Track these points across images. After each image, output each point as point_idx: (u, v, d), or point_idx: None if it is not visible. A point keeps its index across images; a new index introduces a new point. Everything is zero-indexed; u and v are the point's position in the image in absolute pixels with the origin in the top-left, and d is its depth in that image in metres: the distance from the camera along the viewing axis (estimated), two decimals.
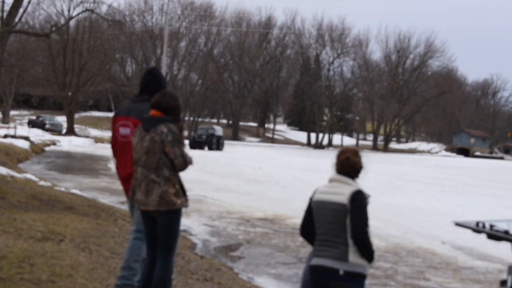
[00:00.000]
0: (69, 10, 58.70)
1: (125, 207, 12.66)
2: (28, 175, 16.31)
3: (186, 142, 49.00)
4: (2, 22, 21.41)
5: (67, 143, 41.76)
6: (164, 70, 51.61)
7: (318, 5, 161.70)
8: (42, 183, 14.79)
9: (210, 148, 47.91)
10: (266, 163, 33.83)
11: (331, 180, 4.12)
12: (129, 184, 5.14)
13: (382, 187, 21.69)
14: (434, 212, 16.29)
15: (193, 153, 32.72)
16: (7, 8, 22.49)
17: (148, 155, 4.87)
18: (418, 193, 21.44)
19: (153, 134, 4.86)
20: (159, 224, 4.97)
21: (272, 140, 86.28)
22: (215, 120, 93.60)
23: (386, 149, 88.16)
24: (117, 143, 5.27)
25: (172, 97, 5.06)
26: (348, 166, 4.09)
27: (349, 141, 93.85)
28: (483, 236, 3.95)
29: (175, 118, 4.98)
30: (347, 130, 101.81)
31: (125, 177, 5.18)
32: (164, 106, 4.97)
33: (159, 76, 5.35)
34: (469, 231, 4.02)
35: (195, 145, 48.10)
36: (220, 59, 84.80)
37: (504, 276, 7.76)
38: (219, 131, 50.47)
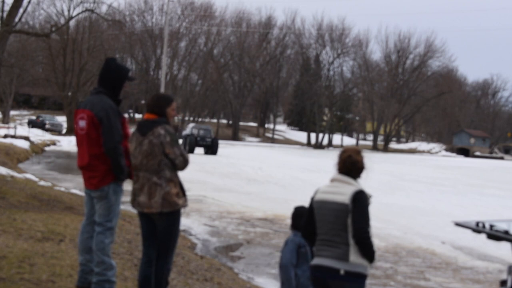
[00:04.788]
0: (69, 10, 58.77)
1: (124, 207, 12.65)
2: (28, 175, 16.30)
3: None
4: (2, 22, 21.40)
5: (67, 143, 41.69)
6: (164, 70, 51.64)
7: (318, 5, 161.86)
8: (42, 183, 14.79)
9: (214, 153, 40.65)
10: (266, 163, 33.81)
11: (332, 180, 4.12)
12: (86, 174, 5.13)
13: (382, 187, 21.68)
14: (434, 212, 16.30)
15: (196, 159, 32.02)
16: (7, 8, 22.49)
17: (148, 159, 4.88)
18: (418, 193, 21.44)
19: (151, 137, 4.87)
20: (159, 226, 4.98)
21: (272, 140, 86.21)
22: (215, 120, 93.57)
23: (386, 149, 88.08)
24: (76, 136, 5.26)
25: (159, 98, 5.08)
26: (350, 163, 4.09)
27: (349, 141, 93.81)
28: (483, 236, 3.95)
29: (167, 119, 5.01)
30: (347, 130, 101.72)
31: (82, 168, 5.17)
32: (155, 109, 4.99)
33: (108, 67, 5.19)
34: (469, 231, 4.02)
35: (194, 148, 40.48)
36: (220, 59, 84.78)
37: (504, 276, 7.75)
38: (213, 131, 44.74)
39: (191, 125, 45.85)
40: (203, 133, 41.78)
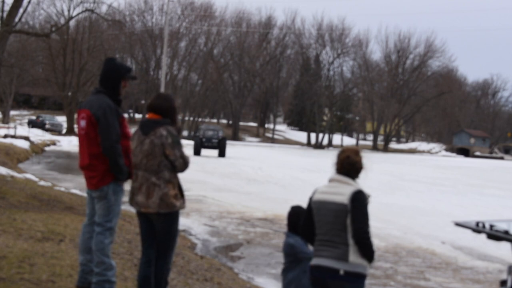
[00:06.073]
0: (69, 10, 58.75)
1: (124, 207, 12.66)
2: (28, 175, 16.30)
3: (190, 143, 44.45)
4: (2, 22, 21.40)
5: (67, 143, 41.72)
6: (164, 70, 51.64)
7: (318, 5, 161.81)
8: (42, 183, 14.79)
9: (222, 155, 38.78)
10: (266, 163, 33.83)
11: (331, 180, 4.12)
12: (87, 174, 5.12)
13: (382, 187, 21.69)
14: (434, 212, 16.30)
15: (196, 159, 31.96)
16: (7, 8, 22.49)
17: (149, 158, 4.89)
18: (418, 193, 21.44)
19: (153, 137, 4.88)
20: (158, 227, 4.98)
21: (272, 140, 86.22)
22: (215, 120, 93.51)
23: (386, 149, 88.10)
24: (78, 136, 5.25)
25: (166, 99, 5.07)
26: (349, 164, 4.08)
27: (349, 141, 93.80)
28: (483, 236, 3.95)
29: (171, 120, 5.00)
30: (347, 130, 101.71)
31: (83, 168, 5.16)
32: (159, 109, 4.99)
33: (107, 67, 5.19)
34: (469, 231, 4.02)
35: (200, 149, 38.68)
36: (220, 59, 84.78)
37: (504, 276, 7.75)
38: (222, 132, 41.82)
39: (202, 126, 44.32)
40: (210, 134, 39.56)
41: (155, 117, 4.98)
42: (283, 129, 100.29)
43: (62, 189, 14.57)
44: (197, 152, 38.12)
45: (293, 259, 4.84)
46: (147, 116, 5.09)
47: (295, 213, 4.99)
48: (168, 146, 4.85)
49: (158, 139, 4.86)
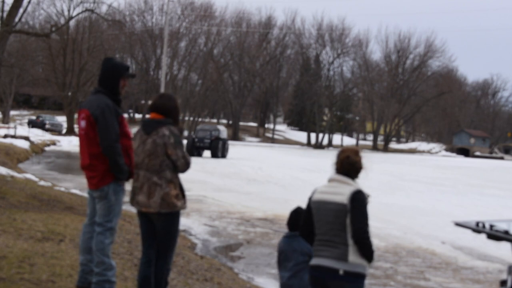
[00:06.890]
0: (69, 10, 58.79)
1: (124, 207, 12.65)
2: (28, 175, 16.30)
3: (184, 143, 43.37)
4: (2, 22, 21.41)
5: (67, 143, 41.72)
6: (164, 70, 51.63)
7: (318, 5, 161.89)
8: (42, 183, 14.79)
9: (215, 155, 37.57)
10: (266, 163, 33.82)
11: (330, 180, 4.12)
12: (88, 174, 5.11)
13: (382, 187, 21.69)
14: (434, 212, 16.30)
15: (197, 159, 31.88)
16: (7, 8, 22.50)
17: (150, 158, 4.89)
18: (418, 193, 21.44)
19: (155, 137, 4.88)
20: (158, 227, 4.98)
21: (272, 140, 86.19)
22: (215, 120, 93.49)
23: (386, 149, 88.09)
24: (79, 136, 5.23)
25: (170, 99, 5.08)
26: (348, 164, 4.08)
27: (349, 141, 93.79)
28: (483, 236, 3.95)
29: (174, 120, 5.00)
30: (347, 130, 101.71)
31: (84, 168, 5.15)
32: (162, 108, 4.99)
33: (105, 67, 5.17)
34: (469, 231, 4.02)
35: (194, 150, 37.67)
36: (220, 59, 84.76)
37: (504, 276, 7.75)
38: (223, 132, 39.79)
39: (199, 126, 42.94)
40: (202, 134, 38.48)
41: (158, 117, 4.98)
42: (283, 129, 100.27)
43: (62, 189, 14.57)
44: (189, 153, 36.91)
45: (307, 259, 4.75)
46: (149, 115, 5.09)
47: (300, 214, 4.95)
48: (170, 146, 4.85)
49: (161, 138, 4.86)
